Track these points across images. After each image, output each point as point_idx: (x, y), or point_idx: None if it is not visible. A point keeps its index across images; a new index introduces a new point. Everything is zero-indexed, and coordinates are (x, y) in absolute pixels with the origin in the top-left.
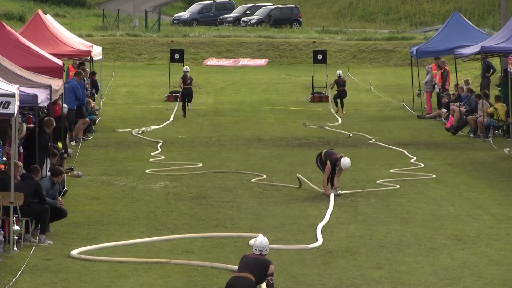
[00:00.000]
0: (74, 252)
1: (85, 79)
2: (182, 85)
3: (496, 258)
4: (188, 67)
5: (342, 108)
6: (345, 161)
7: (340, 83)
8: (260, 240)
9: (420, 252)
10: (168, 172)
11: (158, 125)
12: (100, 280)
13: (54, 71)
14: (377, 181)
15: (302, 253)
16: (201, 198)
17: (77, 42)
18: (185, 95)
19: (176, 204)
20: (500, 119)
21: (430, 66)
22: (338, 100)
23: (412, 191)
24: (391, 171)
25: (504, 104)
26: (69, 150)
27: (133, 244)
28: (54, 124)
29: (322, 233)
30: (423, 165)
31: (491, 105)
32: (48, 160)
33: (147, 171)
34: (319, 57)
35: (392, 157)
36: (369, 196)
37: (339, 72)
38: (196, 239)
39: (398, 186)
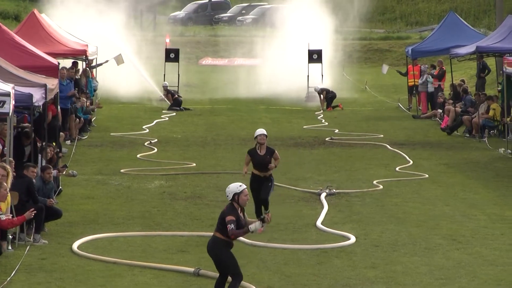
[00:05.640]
0: (75, 245)
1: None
2: (172, 99)
3: (491, 258)
4: (167, 83)
5: (330, 106)
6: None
7: (328, 90)
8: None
9: (415, 252)
10: (145, 172)
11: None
12: (95, 280)
13: (49, 70)
14: (374, 181)
15: (297, 252)
16: (196, 197)
17: (72, 42)
18: (179, 104)
19: (171, 204)
20: (495, 119)
21: (426, 66)
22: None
23: (407, 191)
24: (386, 171)
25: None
26: (64, 150)
27: (131, 237)
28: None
29: (316, 234)
30: (411, 162)
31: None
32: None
33: (121, 170)
34: (315, 56)
35: (387, 157)
36: (364, 196)
37: (318, 87)
38: (191, 238)
39: (381, 186)
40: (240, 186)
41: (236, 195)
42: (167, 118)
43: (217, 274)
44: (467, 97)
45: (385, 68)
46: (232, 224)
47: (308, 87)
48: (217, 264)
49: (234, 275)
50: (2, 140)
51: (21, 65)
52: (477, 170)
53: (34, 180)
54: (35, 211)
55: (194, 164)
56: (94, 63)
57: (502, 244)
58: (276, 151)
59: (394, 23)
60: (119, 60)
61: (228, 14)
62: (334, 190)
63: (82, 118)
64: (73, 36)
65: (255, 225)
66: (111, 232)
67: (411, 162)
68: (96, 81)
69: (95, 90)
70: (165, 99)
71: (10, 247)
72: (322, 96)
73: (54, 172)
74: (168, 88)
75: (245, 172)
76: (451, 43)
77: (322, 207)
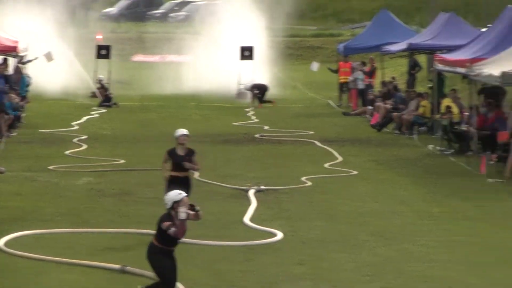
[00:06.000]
0: (2, 242)
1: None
2: (104, 95)
3: (418, 254)
4: (103, 77)
5: (261, 101)
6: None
7: (259, 87)
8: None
9: (343, 249)
10: (73, 169)
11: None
12: (22, 277)
13: None
14: (302, 178)
15: (225, 249)
16: (125, 194)
17: (3, 38)
18: (109, 101)
19: (99, 201)
20: (425, 116)
21: (357, 63)
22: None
23: (336, 188)
24: (315, 168)
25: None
26: None
27: (57, 233)
28: None
29: (244, 230)
30: (340, 158)
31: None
32: None
33: (50, 167)
34: (246, 53)
35: (317, 153)
36: (293, 192)
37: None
38: (118, 235)
39: (310, 183)
40: (180, 194)
41: (175, 203)
42: (97, 115)
43: (143, 271)
44: (397, 94)
45: (315, 65)
46: (171, 228)
47: (239, 84)
48: (152, 269)
49: (164, 283)
50: None
51: None
52: (406, 166)
53: None
54: None
55: (123, 161)
56: (24, 59)
57: (429, 241)
58: (195, 154)
59: (326, 20)
60: (48, 57)
61: (160, 10)
62: (263, 187)
63: (11, 115)
64: (4, 32)
65: (181, 210)
66: (38, 229)
67: (341, 158)
68: (29, 76)
69: (28, 85)
70: (98, 93)
71: None
72: (252, 93)
73: None
74: (102, 82)
75: (167, 176)
76: (384, 40)
77: (250, 203)
